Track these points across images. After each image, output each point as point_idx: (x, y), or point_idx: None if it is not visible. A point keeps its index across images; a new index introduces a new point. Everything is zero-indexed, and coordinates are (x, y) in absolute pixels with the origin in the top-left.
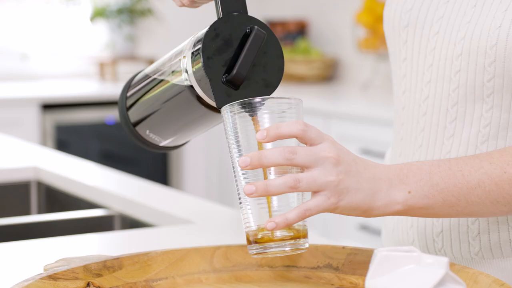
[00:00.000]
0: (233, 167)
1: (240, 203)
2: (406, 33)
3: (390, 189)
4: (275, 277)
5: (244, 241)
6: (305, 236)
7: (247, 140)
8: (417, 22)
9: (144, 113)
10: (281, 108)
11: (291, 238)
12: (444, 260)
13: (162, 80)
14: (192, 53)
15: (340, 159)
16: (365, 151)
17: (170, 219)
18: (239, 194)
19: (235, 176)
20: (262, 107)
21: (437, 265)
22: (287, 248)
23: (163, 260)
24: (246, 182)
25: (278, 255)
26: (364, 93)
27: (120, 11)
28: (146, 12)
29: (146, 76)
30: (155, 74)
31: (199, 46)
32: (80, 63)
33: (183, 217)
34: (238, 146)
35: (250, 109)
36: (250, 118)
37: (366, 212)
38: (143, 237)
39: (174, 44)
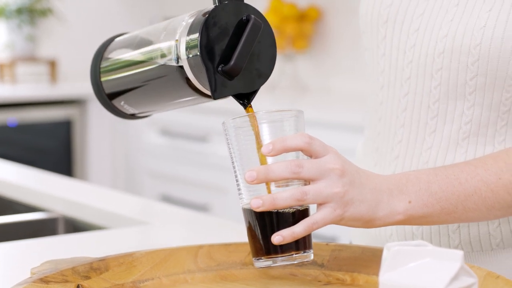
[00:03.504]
0: (237, 180)
1: (243, 203)
2: (385, 29)
3: (391, 199)
4: (260, 275)
5: (226, 240)
6: (310, 247)
7: (250, 153)
8: (397, 18)
9: (123, 87)
10: (283, 120)
11: (298, 250)
12: (459, 253)
13: (147, 57)
14: (188, 39)
15: (345, 171)
16: None
17: (121, 220)
18: (242, 203)
19: (238, 189)
20: (264, 120)
21: (452, 259)
22: (295, 261)
23: (148, 261)
24: (249, 192)
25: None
26: (271, 94)
27: (20, 11)
28: (46, 12)
29: (127, 48)
30: (137, 48)
31: (197, 34)
32: None
33: (135, 217)
34: (241, 159)
35: (253, 122)
36: (252, 131)
37: (369, 222)
38: (107, 239)
39: (76, 44)
